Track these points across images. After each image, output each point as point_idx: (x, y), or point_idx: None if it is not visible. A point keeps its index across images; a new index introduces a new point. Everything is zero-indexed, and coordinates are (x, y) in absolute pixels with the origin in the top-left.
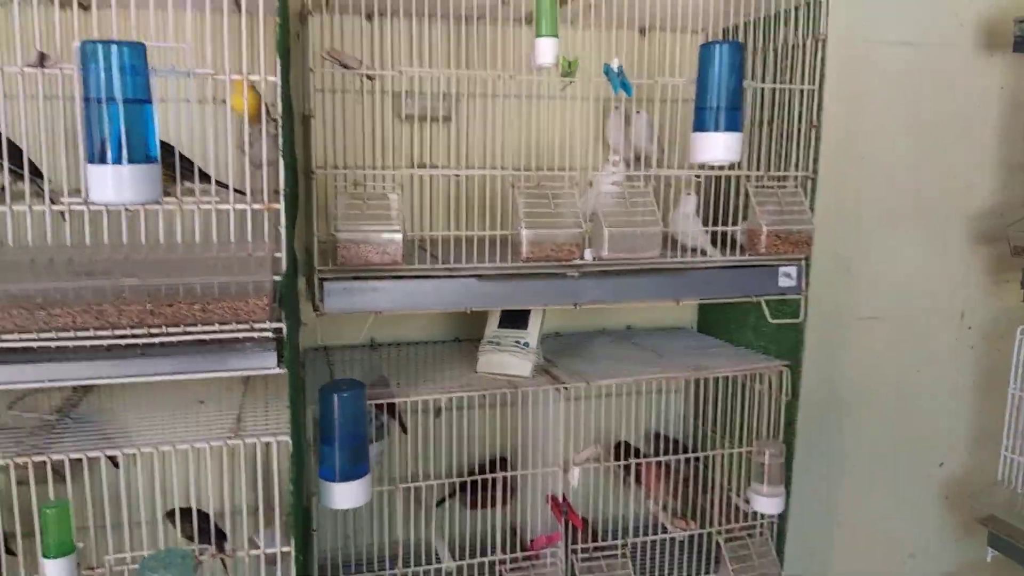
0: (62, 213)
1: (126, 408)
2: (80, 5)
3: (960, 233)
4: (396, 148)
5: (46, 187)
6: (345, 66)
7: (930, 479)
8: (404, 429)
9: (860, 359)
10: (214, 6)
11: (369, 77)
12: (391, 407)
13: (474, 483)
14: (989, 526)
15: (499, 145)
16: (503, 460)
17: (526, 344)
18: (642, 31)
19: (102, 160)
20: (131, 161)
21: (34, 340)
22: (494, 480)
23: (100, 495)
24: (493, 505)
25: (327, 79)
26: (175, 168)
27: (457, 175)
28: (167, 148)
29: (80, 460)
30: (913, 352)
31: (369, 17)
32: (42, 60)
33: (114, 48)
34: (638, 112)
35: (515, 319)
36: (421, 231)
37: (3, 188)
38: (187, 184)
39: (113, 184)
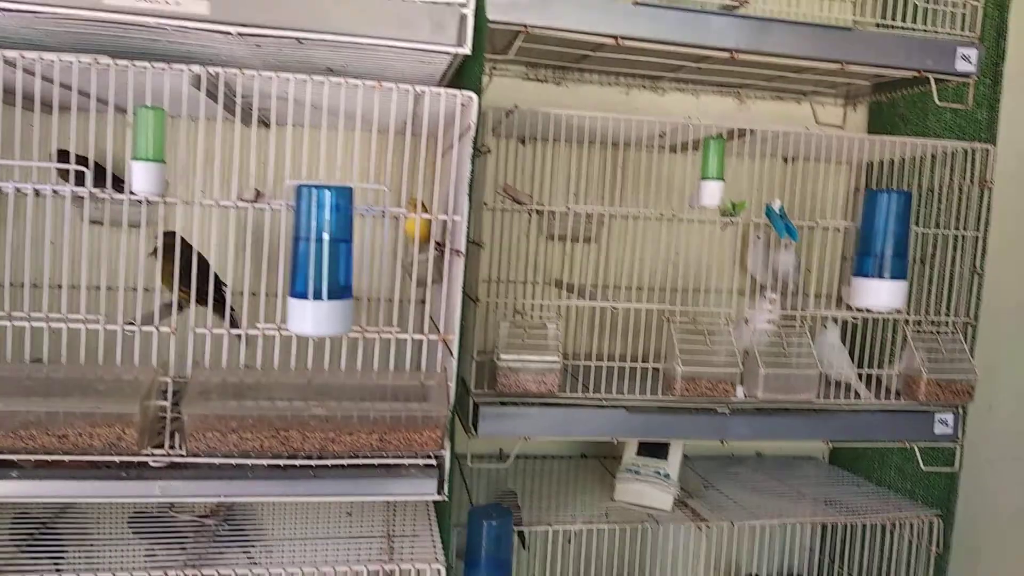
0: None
1: (277, 513)
2: (262, 123)
3: None
4: (542, 265)
5: (240, 314)
6: (519, 202)
7: None
8: (525, 546)
9: (999, 506)
10: (382, 127)
11: (537, 212)
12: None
13: None
14: None
15: (642, 265)
16: None
17: (667, 476)
18: (786, 159)
19: (303, 295)
20: (329, 297)
21: (228, 459)
22: None
23: None
24: None
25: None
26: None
27: (614, 308)
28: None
29: None
30: None
31: (523, 141)
32: (257, 196)
33: (326, 192)
34: (786, 246)
35: (654, 448)
36: (568, 356)
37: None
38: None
39: (312, 318)
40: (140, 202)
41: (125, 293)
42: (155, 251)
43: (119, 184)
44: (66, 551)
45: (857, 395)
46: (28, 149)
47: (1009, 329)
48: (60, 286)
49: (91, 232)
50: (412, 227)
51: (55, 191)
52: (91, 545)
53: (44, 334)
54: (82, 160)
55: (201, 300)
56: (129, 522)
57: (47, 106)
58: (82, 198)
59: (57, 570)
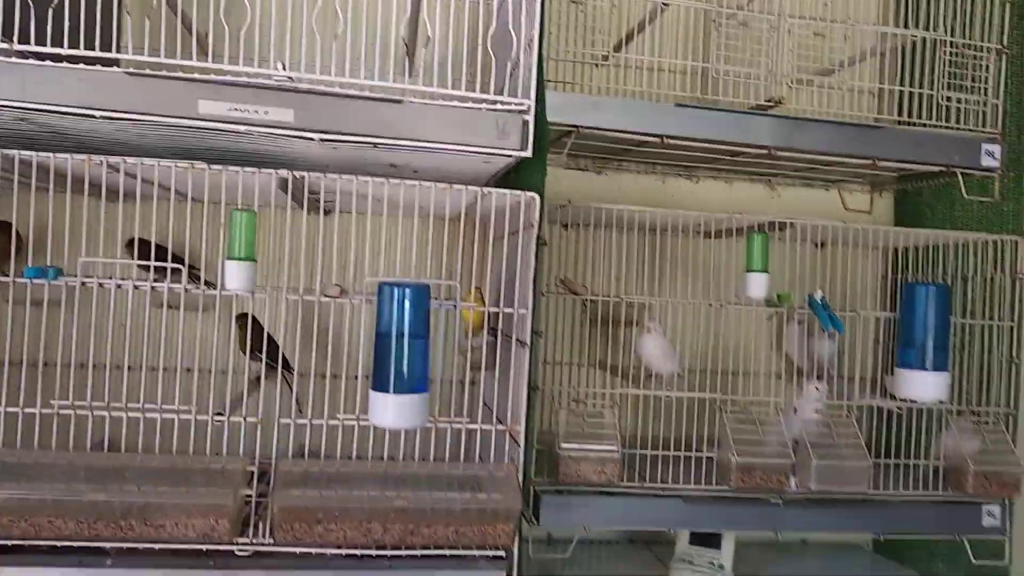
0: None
1: None
2: (325, 211)
3: None
4: (586, 348)
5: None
6: (575, 293)
7: None
8: None
9: None
10: (437, 214)
11: (592, 302)
12: None
13: None
14: None
15: (683, 346)
16: None
17: (721, 567)
18: (817, 244)
19: (385, 389)
20: (408, 391)
21: (313, 547)
22: None
23: None
24: None
25: None
26: None
27: (667, 396)
28: None
29: None
30: None
31: (566, 227)
32: (341, 293)
33: (407, 290)
34: (830, 336)
35: (706, 537)
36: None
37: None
38: None
39: (393, 411)
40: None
41: (210, 377)
42: (240, 317)
43: (192, 271)
44: None
45: None
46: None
47: None
48: (136, 368)
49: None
50: (472, 315)
51: (136, 286)
52: None
53: (137, 422)
54: (160, 249)
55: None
56: None
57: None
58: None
59: None
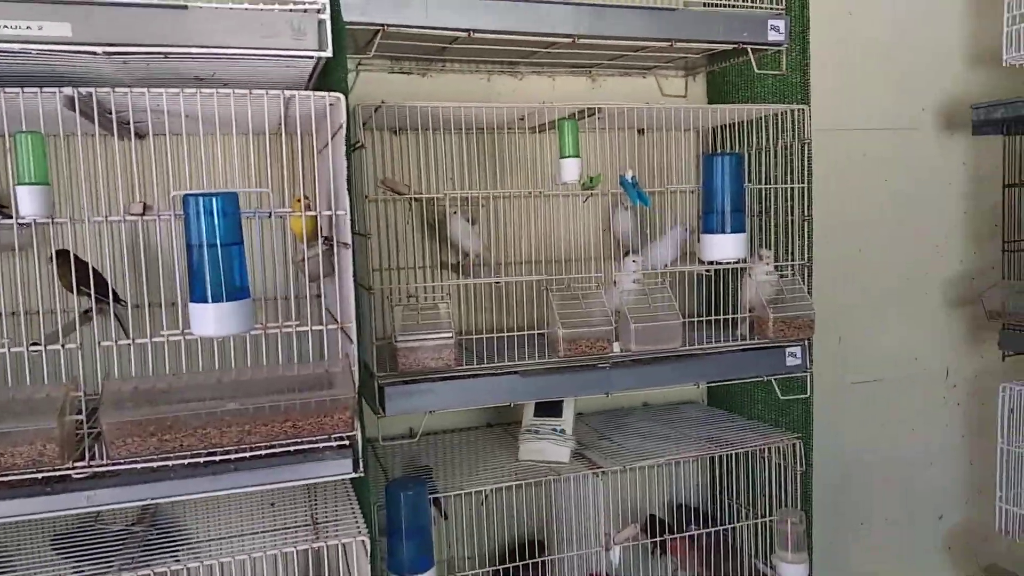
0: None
1: (201, 514)
2: (133, 135)
3: (938, 299)
4: (429, 251)
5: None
6: (398, 192)
7: (932, 532)
8: (444, 516)
9: (859, 424)
10: (258, 130)
11: (416, 200)
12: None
13: (522, 567)
14: (992, 574)
15: (519, 240)
16: (543, 542)
17: (562, 431)
18: (640, 131)
19: (203, 299)
20: (228, 298)
21: (151, 461)
22: (539, 563)
23: None
24: None
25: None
26: None
27: (496, 283)
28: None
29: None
30: (906, 413)
31: (395, 132)
32: (145, 210)
33: (213, 200)
34: (625, 208)
35: (550, 408)
36: (464, 332)
37: (89, 316)
38: None
39: (214, 319)
40: (29, 225)
41: (27, 316)
42: (52, 257)
43: (3, 210)
44: None
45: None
46: None
47: (854, 269)
48: None
49: None
50: (298, 225)
51: None
52: (14, 573)
53: None
54: None
55: (101, 308)
56: (52, 545)
57: None
58: None
59: None
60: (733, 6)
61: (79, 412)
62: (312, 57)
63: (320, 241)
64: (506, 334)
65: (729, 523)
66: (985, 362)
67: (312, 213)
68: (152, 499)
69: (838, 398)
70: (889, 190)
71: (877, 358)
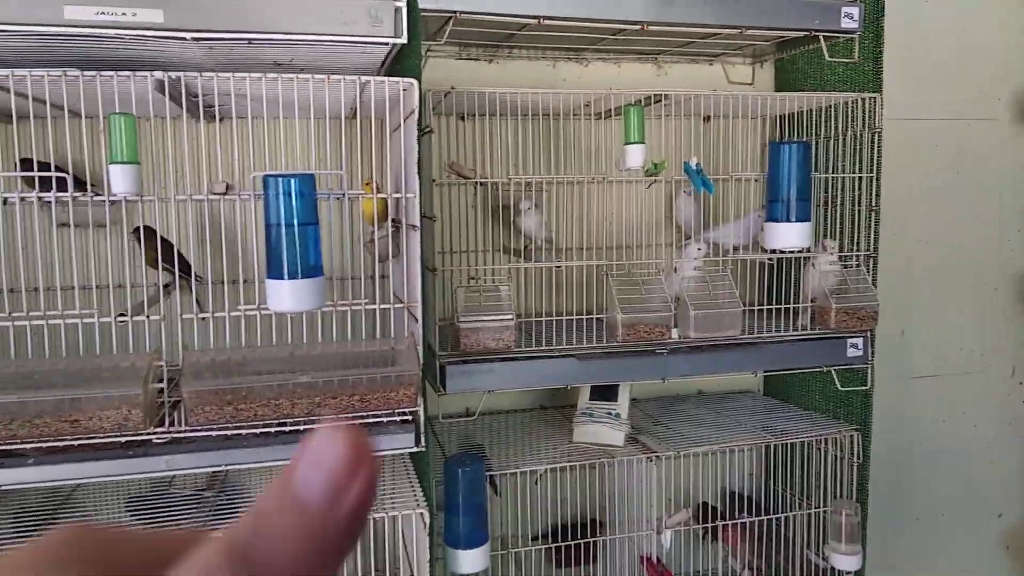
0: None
1: (268, 482)
2: (212, 117)
3: (1006, 295)
4: (491, 235)
5: (222, 297)
6: (464, 177)
7: (990, 530)
8: (497, 492)
9: (919, 418)
10: (332, 113)
11: (481, 184)
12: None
13: (574, 546)
14: None
15: (583, 226)
16: (594, 521)
17: (617, 415)
18: (706, 119)
19: (279, 276)
20: (303, 276)
21: (226, 429)
22: (590, 543)
23: None
24: (583, 564)
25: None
26: None
27: (557, 266)
28: None
29: None
30: (968, 408)
31: (462, 118)
32: (227, 189)
33: (291, 180)
34: (687, 195)
35: (605, 392)
36: (523, 315)
37: (170, 291)
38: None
39: (289, 296)
40: (117, 202)
41: (112, 289)
42: (136, 231)
43: (85, 187)
44: None
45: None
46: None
47: (920, 261)
48: (36, 289)
49: (61, 235)
50: (369, 207)
51: (23, 198)
52: None
53: (43, 333)
54: (45, 167)
55: (183, 283)
56: (127, 508)
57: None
58: (51, 203)
59: None
60: None
61: (160, 381)
62: (388, 44)
63: (389, 223)
64: (564, 318)
65: (782, 512)
66: None
67: (383, 195)
68: (226, 465)
69: (900, 391)
70: (960, 182)
71: (941, 352)
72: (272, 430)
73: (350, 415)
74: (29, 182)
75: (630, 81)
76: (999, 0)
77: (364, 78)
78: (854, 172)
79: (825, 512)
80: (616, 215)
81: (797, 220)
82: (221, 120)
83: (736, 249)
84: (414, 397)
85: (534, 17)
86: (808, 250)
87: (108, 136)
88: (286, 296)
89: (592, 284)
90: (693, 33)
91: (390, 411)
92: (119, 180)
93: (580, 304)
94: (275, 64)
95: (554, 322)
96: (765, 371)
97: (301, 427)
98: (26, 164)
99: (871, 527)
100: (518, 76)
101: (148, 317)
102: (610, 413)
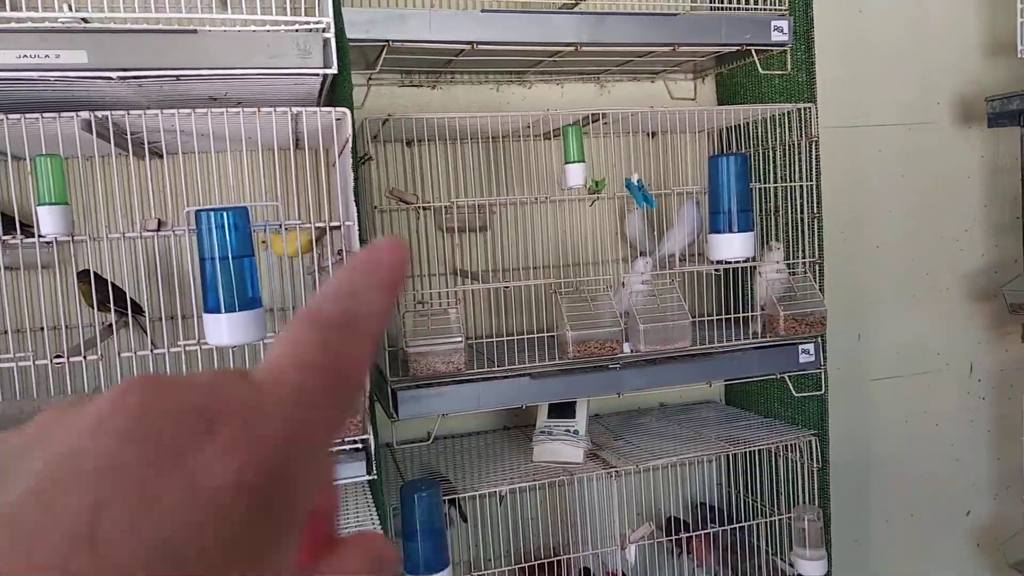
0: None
1: None
2: (155, 154)
3: (959, 293)
4: (440, 258)
5: (161, 332)
6: (406, 202)
7: (960, 528)
8: (464, 519)
9: (882, 420)
10: (278, 144)
11: (424, 208)
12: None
13: (539, 566)
14: (1021, 570)
15: (530, 246)
16: (556, 543)
17: (576, 432)
18: (652, 135)
19: (216, 309)
20: (240, 308)
21: None
22: (556, 563)
23: None
24: None
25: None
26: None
27: (505, 287)
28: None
29: None
30: (930, 408)
31: (409, 144)
32: (159, 226)
33: (224, 214)
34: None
35: (563, 409)
36: (473, 337)
37: (111, 331)
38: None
39: (227, 329)
40: (50, 243)
41: (52, 331)
42: (83, 273)
43: (27, 229)
44: None
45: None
46: None
47: (872, 265)
48: None
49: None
50: (309, 237)
51: None
52: None
53: None
54: None
55: (124, 322)
56: None
57: None
58: None
59: None
60: (741, 8)
61: None
62: (318, 74)
63: (329, 251)
64: (516, 337)
65: (747, 521)
66: (1009, 356)
67: (308, 226)
68: None
69: (860, 394)
70: (906, 185)
71: (898, 354)
72: None
73: None
74: None
75: (573, 101)
76: (937, 6)
77: (296, 109)
78: (795, 181)
79: (789, 519)
80: (563, 234)
81: (739, 231)
82: (161, 156)
83: (688, 255)
84: (361, 425)
85: (467, 43)
86: (753, 259)
87: (35, 177)
88: (224, 329)
89: (542, 303)
90: (629, 52)
91: (339, 441)
92: (48, 221)
93: (531, 324)
94: (211, 99)
95: (505, 342)
96: (719, 381)
97: None
98: None
99: (840, 531)
100: (462, 100)
101: (85, 358)
102: (568, 430)
